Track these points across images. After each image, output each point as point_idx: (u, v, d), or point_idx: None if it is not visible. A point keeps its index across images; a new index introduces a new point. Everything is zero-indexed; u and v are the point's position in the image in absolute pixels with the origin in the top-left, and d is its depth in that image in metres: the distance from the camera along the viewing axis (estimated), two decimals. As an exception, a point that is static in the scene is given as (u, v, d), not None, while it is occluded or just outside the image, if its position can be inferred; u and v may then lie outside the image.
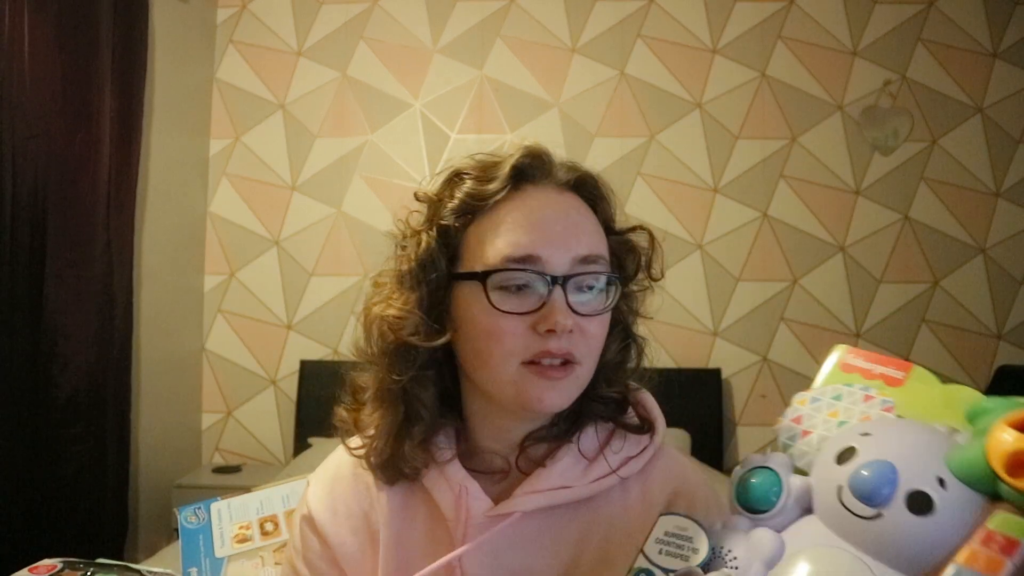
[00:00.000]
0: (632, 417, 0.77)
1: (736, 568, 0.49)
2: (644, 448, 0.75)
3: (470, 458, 0.76)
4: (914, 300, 2.81)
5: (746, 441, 2.81)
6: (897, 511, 0.45)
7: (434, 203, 0.73)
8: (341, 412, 0.79)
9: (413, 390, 0.72)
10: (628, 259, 0.76)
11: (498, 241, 0.68)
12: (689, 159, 2.88)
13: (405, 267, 0.72)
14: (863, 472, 0.47)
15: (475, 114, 2.95)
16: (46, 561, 0.77)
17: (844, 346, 0.63)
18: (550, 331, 0.66)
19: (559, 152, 0.75)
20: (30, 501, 2.10)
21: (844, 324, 2.83)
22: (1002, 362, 2.72)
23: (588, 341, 0.69)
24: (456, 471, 0.74)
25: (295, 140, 3.00)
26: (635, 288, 0.77)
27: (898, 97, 2.82)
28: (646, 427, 0.76)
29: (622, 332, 0.76)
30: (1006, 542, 0.42)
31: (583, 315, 0.68)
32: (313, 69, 3.00)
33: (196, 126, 2.97)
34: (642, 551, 0.54)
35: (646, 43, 2.91)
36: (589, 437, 0.75)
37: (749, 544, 0.50)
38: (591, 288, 0.70)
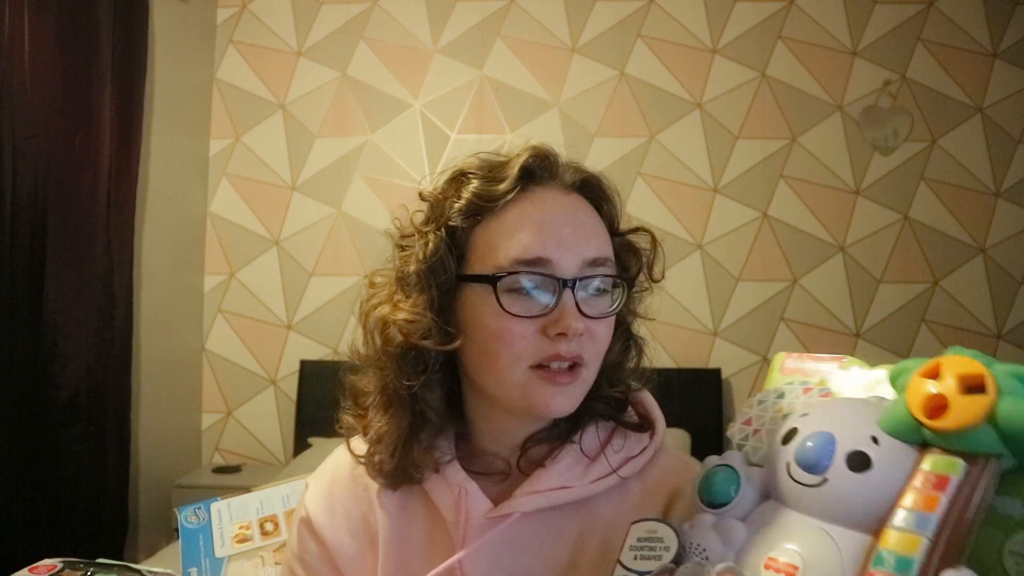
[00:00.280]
0: (632, 416, 0.77)
1: (706, 559, 0.53)
2: (644, 448, 0.75)
3: (470, 460, 0.75)
4: (914, 300, 2.81)
5: (746, 441, 2.81)
6: (840, 473, 0.50)
7: (439, 203, 0.72)
8: (347, 419, 0.78)
9: (422, 394, 0.71)
10: (631, 260, 0.76)
11: (508, 243, 0.68)
12: (689, 159, 2.88)
13: (412, 268, 0.70)
14: (806, 444, 0.52)
15: (475, 114, 2.95)
16: (46, 561, 0.77)
17: (782, 353, 0.68)
18: (560, 334, 0.66)
19: (561, 153, 0.75)
20: (30, 501, 2.10)
21: (844, 324, 2.83)
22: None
23: (596, 344, 0.69)
24: (455, 472, 0.73)
25: (295, 140, 3.00)
26: (636, 289, 0.77)
27: (898, 97, 2.82)
28: (646, 425, 0.76)
29: (624, 333, 0.76)
30: (938, 479, 0.47)
31: (592, 317, 0.68)
32: (313, 69, 3.00)
33: (196, 126, 2.97)
34: (619, 561, 0.57)
35: (646, 43, 2.91)
36: (590, 436, 0.74)
37: (715, 535, 0.54)
38: (599, 290, 0.70)
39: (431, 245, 0.70)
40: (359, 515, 0.77)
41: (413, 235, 0.73)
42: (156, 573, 0.78)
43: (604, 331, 0.70)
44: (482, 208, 0.70)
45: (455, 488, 0.72)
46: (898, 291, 2.82)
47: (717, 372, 2.80)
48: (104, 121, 2.32)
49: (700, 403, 2.72)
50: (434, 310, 0.69)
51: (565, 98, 2.92)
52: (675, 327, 2.83)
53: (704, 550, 0.53)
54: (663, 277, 0.77)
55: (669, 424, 0.79)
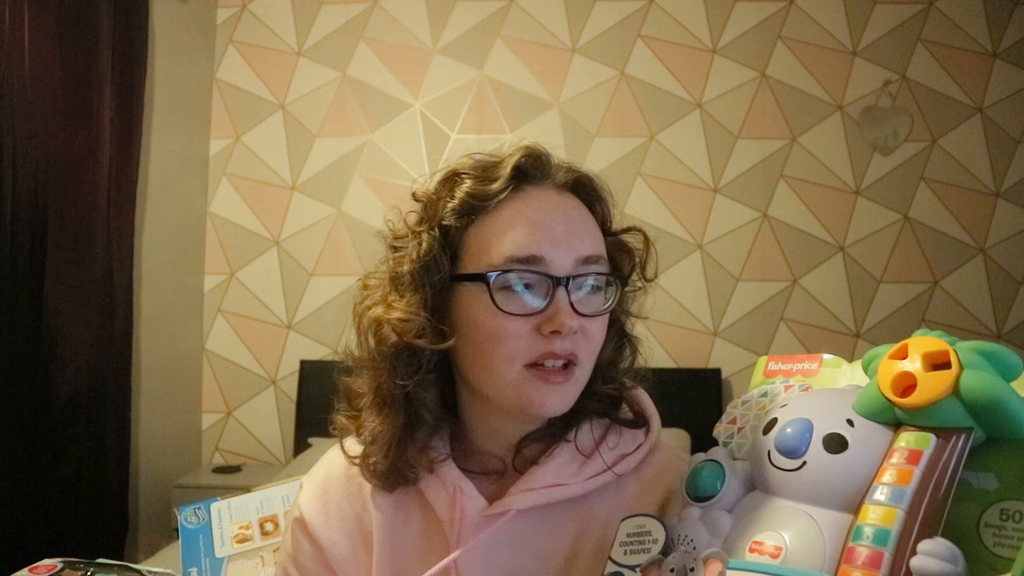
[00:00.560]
0: (627, 413, 0.77)
1: (694, 548, 0.54)
2: (639, 445, 0.75)
3: (465, 459, 0.75)
4: (914, 300, 2.81)
5: (746, 441, 2.81)
6: (818, 455, 0.53)
7: (432, 203, 0.72)
8: (340, 419, 0.78)
9: (417, 394, 0.71)
10: (624, 260, 0.76)
11: (501, 242, 0.68)
12: (689, 159, 2.88)
13: (405, 268, 0.70)
14: (785, 430, 0.55)
15: (475, 114, 2.95)
16: (46, 561, 0.77)
17: (764, 357, 0.72)
18: (554, 332, 0.66)
19: (559, 152, 0.75)
20: (30, 501, 2.11)
21: (844, 324, 2.83)
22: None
23: (590, 342, 0.69)
24: (450, 471, 0.73)
25: (295, 140, 3.00)
26: (629, 288, 0.77)
27: (898, 97, 2.82)
28: (641, 422, 0.77)
29: (618, 331, 0.76)
30: (911, 454, 0.49)
31: (585, 315, 0.68)
32: (313, 69, 3.00)
33: (196, 126, 2.97)
34: (610, 557, 0.58)
35: (646, 43, 2.91)
36: (585, 433, 0.75)
37: (703, 526, 0.56)
38: (593, 288, 0.70)
39: (425, 245, 0.70)
40: (353, 515, 0.77)
41: (407, 236, 0.73)
42: (156, 573, 0.78)
43: (598, 329, 0.70)
44: (475, 207, 0.70)
45: (450, 487, 0.72)
46: (898, 291, 2.82)
47: (717, 372, 2.80)
48: (104, 121, 2.33)
49: (700, 403, 2.71)
50: (428, 309, 0.69)
51: (565, 98, 2.92)
52: (675, 327, 2.83)
53: (692, 541, 0.55)
54: (656, 276, 0.78)
55: (669, 424, 0.80)
